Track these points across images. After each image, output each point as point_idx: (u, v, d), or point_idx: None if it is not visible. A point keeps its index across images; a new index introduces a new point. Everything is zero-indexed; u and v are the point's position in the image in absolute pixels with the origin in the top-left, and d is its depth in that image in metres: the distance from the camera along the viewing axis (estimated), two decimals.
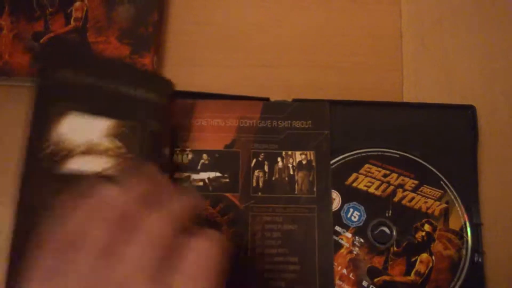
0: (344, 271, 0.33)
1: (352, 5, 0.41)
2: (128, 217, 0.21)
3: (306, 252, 0.33)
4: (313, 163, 0.35)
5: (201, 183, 0.34)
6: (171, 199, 0.23)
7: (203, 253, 0.22)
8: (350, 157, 0.36)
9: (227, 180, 0.34)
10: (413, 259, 0.33)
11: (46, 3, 0.38)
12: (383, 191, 0.35)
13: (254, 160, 0.35)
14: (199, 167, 0.35)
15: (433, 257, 0.33)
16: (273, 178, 0.35)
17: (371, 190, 0.35)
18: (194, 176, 0.34)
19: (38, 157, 0.26)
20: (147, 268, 0.20)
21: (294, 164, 0.35)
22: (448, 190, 0.35)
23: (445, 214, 0.34)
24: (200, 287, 0.21)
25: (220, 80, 0.39)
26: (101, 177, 0.27)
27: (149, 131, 0.31)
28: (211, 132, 0.36)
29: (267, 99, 0.37)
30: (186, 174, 0.34)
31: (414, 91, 0.39)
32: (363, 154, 0.36)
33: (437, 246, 0.34)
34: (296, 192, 0.35)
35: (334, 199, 0.35)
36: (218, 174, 0.35)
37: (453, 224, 0.34)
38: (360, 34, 0.40)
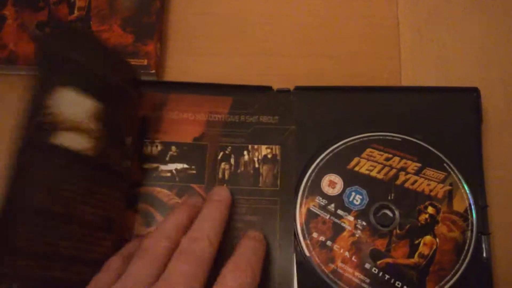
0: (347, 253, 0.33)
1: None
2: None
3: (268, 242, 0.34)
4: (278, 157, 0.36)
5: (168, 174, 0.35)
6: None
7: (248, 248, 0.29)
8: (352, 142, 0.36)
9: (194, 171, 0.35)
10: (417, 242, 0.33)
11: None
12: (385, 174, 0.35)
13: (221, 153, 0.36)
14: (167, 159, 0.36)
15: (437, 239, 0.33)
16: (239, 171, 0.36)
17: (373, 173, 0.35)
18: (162, 167, 0.35)
19: (27, 124, 0.27)
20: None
21: (260, 157, 0.36)
22: (451, 172, 0.35)
23: (449, 196, 0.34)
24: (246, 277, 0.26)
25: (222, 68, 0.40)
26: None
27: (121, 118, 0.32)
28: (181, 125, 0.37)
29: (270, 88, 0.37)
30: (155, 165, 0.36)
31: (412, 79, 0.39)
32: (365, 139, 0.36)
33: (441, 228, 0.33)
34: (260, 185, 0.35)
35: (336, 183, 0.35)
36: (185, 165, 0.36)
37: (457, 206, 0.34)
38: (359, 23, 0.41)
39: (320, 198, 0.35)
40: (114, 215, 0.31)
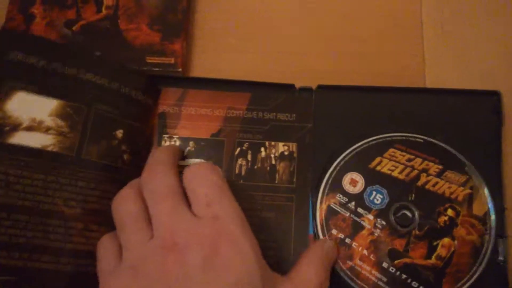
0: (365, 251, 0.34)
1: None
2: None
3: (283, 239, 0.34)
4: (295, 155, 0.36)
5: None
6: None
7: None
8: (375, 141, 0.36)
9: None
10: (435, 243, 0.34)
11: None
12: (407, 175, 0.35)
13: (238, 149, 0.36)
14: (185, 154, 0.36)
15: (455, 242, 0.33)
16: (255, 167, 0.36)
17: (395, 174, 0.35)
18: (180, 163, 0.35)
19: None
20: None
21: (277, 154, 0.36)
22: (473, 176, 0.35)
23: (469, 199, 0.34)
24: None
25: (247, 66, 0.40)
26: None
27: (95, 114, 0.32)
28: (199, 120, 0.37)
29: (293, 86, 0.38)
30: None
31: (435, 77, 0.39)
32: (388, 139, 0.36)
33: (459, 231, 0.34)
34: (276, 182, 0.36)
35: (358, 181, 0.35)
36: (203, 161, 0.36)
37: (477, 209, 0.34)
38: (382, 22, 0.41)
39: (341, 196, 0.35)
40: (108, 208, 0.31)
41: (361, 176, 0.36)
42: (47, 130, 0.30)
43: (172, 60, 0.38)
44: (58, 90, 0.31)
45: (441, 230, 0.34)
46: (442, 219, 0.34)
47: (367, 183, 0.35)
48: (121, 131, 0.34)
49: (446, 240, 0.34)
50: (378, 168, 0.36)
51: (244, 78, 0.38)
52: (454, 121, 0.36)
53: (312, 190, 0.35)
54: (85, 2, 0.39)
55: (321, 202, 0.35)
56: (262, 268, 0.27)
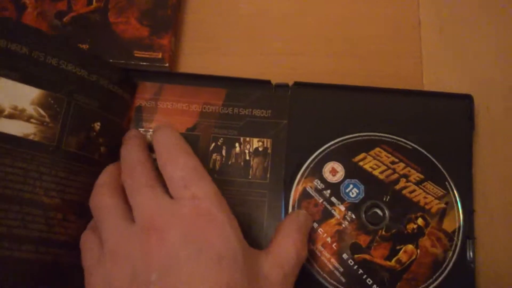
0: (329, 239, 0.34)
1: None
2: None
3: (255, 234, 0.34)
4: (269, 151, 0.36)
5: None
6: None
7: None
8: (364, 137, 0.36)
9: None
10: (398, 247, 0.34)
11: None
12: (387, 176, 0.35)
13: (213, 144, 0.37)
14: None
15: (418, 251, 0.34)
16: (229, 162, 0.36)
17: (376, 172, 0.35)
18: (155, 156, 0.35)
19: None
20: None
21: (251, 150, 0.36)
22: (451, 192, 0.35)
23: (442, 213, 0.35)
24: None
25: (239, 67, 0.40)
26: None
27: (75, 105, 0.32)
28: (175, 115, 0.37)
29: (269, 82, 0.38)
30: None
31: (434, 79, 0.40)
32: (377, 138, 0.36)
33: (425, 242, 0.34)
34: (250, 177, 0.36)
35: (338, 172, 0.36)
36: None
37: (447, 225, 0.34)
38: (380, 23, 0.41)
39: (319, 182, 0.35)
40: (86, 200, 0.32)
41: (342, 167, 0.36)
42: (28, 118, 0.30)
43: (160, 55, 0.38)
44: (40, 79, 0.31)
45: (407, 236, 0.34)
46: (411, 226, 0.34)
47: (347, 176, 0.35)
48: (98, 123, 0.33)
49: (409, 247, 0.34)
50: (361, 163, 0.36)
51: (236, 72, 0.38)
52: (429, 124, 0.37)
53: (285, 187, 0.35)
54: None
55: (298, 183, 0.35)
56: (242, 243, 0.28)
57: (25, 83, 0.30)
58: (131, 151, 0.32)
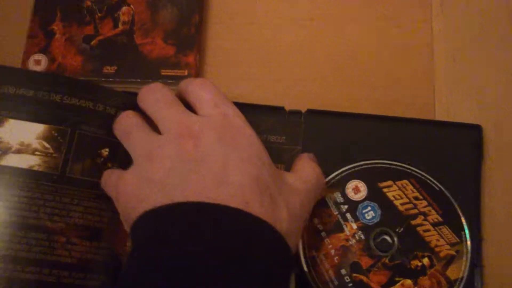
0: (332, 251, 0.35)
1: (385, 23, 0.42)
2: None
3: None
4: None
5: None
6: None
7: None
8: (396, 167, 0.37)
9: None
10: (397, 279, 0.34)
11: (95, 8, 0.42)
12: (406, 209, 0.36)
13: None
14: None
15: None
16: None
17: (397, 202, 0.36)
18: None
19: None
20: None
21: None
22: (464, 243, 0.35)
23: (449, 260, 0.35)
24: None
25: (254, 92, 0.41)
26: None
27: (79, 135, 0.34)
28: None
29: (282, 108, 0.39)
30: None
31: (446, 108, 0.40)
32: (408, 170, 0.37)
33: (424, 281, 0.34)
34: None
35: (360, 191, 0.36)
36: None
37: (451, 272, 0.35)
38: (393, 51, 0.42)
39: (339, 195, 0.36)
40: (97, 224, 0.33)
41: (366, 188, 0.36)
42: (34, 151, 0.33)
43: (186, 72, 0.40)
44: (45, 115, 0.33)
45: (409, 270, 0.35)
46: (416, 262, 0.35)
47: (368, 197, 0.36)
48: (106, 149, 0.35)
49: (408, 282, 0.34)
50: (385, 190, 0.36)
51: (251, 97, 0.40)
52: (437, 153, 0.38)
53: None
54: (102, 18, 0.41)
55: None
56: (268, 157, 0.31)
57: (31, 122, 0.33)
58: (150, 88, 0.33)
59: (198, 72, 0.41)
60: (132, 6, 0.42)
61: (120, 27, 0.41)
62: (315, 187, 0.32)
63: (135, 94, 0.34)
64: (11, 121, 0.33)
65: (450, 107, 0.40)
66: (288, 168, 0.35)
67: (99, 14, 0.41)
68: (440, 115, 0.40)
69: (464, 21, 0.42)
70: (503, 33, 0.41)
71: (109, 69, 0.40)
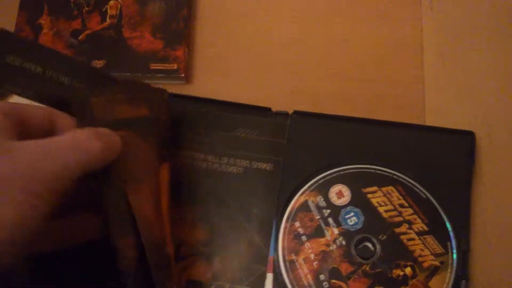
0: (312, 256, 0.34)
1: (374, 20, 0.42)
2: None
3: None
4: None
5: None
6: None
7: None
8: (382, 172, 0.36)
9: None
10: (377, 287, 0.33)
11: (82, 2, 0.42)
12: (391, 216, 0.35)
13: None
14: None
15: None
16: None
17: (381, 209, 0.35)
18: None
19: None
20: None
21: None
22: (450, 254, 0.34)
23: (433, 271, 0.34)
24: None
25: (241, 89, 0.41)
26: None
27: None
28: None
29: (269, 109, 0.39)
30: None
31: (435, 103, 0.39)
32: (395, 177, 0.36)
33: None
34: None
35: (344, 196, 0.36)
36: None
37: (434, 284, 0.33)
38: (382, 49, 0.41)
39: (322, 199, 0.36)
40: None
41: (349, 193, 0.36)
42: None
43: (175, 66, 0.40)
44: (53, 98, 0.31)
45: (390, 279, 0.33)
46: (397, 272, 0.34)
47: (351, 202, 0.35)
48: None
49: None
50: (370, 196, 0.36)
51: (238, 99, 0.39)
52: (427, 160, 0.37)
53: (278, 213, 0.36)
54: (90, 12, 0.42)
55: (302, 194, 0.36)
56: None
57: (37, 101, 0.31)
58: None
59: (187, 66, 0.41)
60: (119, 0, 0.42)
61: (108, 21, 0.41)
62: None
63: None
64: (16, 98, 0.31)
65: (440, 107, 0.39)
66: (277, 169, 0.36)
67: (86, 8, 0.42)
68: (430, 115, 0.39)
69: (454, 20, 0.41)
70: (494, 31, 0.40)
71: (97, 63, 0.40)
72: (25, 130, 0.27)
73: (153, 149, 0.32)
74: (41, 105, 0.30)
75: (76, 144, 0.26)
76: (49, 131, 0.28)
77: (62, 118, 0.30)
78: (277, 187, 0.36)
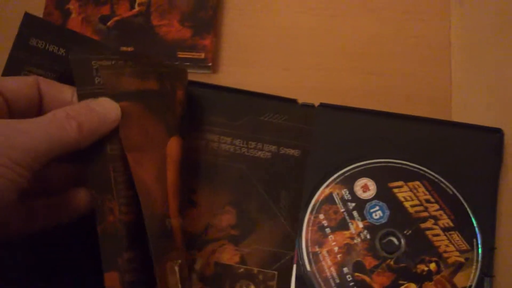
0: (336, 248, 0.34)
1: (403, 14, 0.41)
2: None
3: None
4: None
5: None
6: None
7: None
8: (409, 167, 0.36)
9: None
10: (401, 282, 0.33)
11: None
12: (416, 212, 0.35)
13: None
14: None
15: None
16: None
17: (406, 204, 0.35)
18: None
19: None
20: None
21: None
22: (475, 251, 0.34)
23: (458, 267, 0.33)
24: None
25: (268, 79, 0.41)
26: None
27: None
28: None
29: (295, 101, 0.38)
30: None
31: (462, 100, 0.39)
32: (421, 172, 0.36)
33: (430, 287, 0.33)
34: None
35: (369, 190, 0.35)
36: None
37: (459, 280, 0.33)
38: (410, 45, 0.41)
39: (347, 192, 0.35)
40: None
41: (375, 187, 0.35)
42: None
43: (203, 55, 0.39)
44: (72, 76, 0.31)
45: (414, 275, 0.33)
46: (422, 267, 0.34)
47: (377, 196, 0.35)
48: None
49: (412, 286, 0.33)
50: (396, 190, 0.35)
51: (264, 90, 0.39)
52: (454, 156, 0.36)
53: (303, 204, 0.36)
54: None
55: (327, 186, 0.36)
56: None
57: (61, 82, 0.31)
58: None
59: (214, 55, 0.41)
60: None
61: (137, 8, 0.41)
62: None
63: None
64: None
65: (466, 103, 0.39)
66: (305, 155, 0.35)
67: None
68: (456, 111, 0.39)
69: (483, 15, 0.40)
70: None
71: (125, 50, 0.40)
72: (5, 102, 0.28)
73: (159, 122, 0.32)
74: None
75: (53, 123, 0.27)
76: (37, 101, 0.30)
77: (52, 86, 0.30)
78: (304, 173, 0.36)
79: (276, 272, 0.34)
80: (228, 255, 0.35)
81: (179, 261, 0.30)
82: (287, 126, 0.37)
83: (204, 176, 0.37)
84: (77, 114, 0.28)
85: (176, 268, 0.30)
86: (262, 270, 0.35)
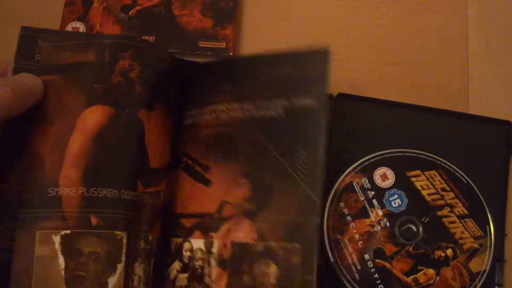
0: (357, 236, 0.35)
1: (421, 7, 0.42)
2: None
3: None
4: None
5: None
6: None
7: None
8: (426, 157, 0.37)
9: None
10: (420, 267, 0.35)
11: None
12: (433, 200, 0.36)
13: None
14: None
15: (437, 278, 0.34)
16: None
17: (424, 192, 0.36)
18: None
19: None
20: None
21: None
22: (488, 237, 0.35)
23: (473, 253, 0.35)
24: None
25: None
26: None
27: None
28: None
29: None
30: None
31: (478, 92, 0.40)
32: (438, 162, 0.37)
33: (447, 272, 0.35)
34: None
35: (388, 179, 0.36)
36: None
37: (473, 265, 0.35)
38: (428, 34, 0.42)
39: (367, 181, 0.36)
40: None
41: (394, 176, 0.37)
42: None
43: (224, 45, 0.40)
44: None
45: (432, 260, 0.35)
46: (439, 253, 0.35)
47: (395, 185, 0.36)
48: None
49: (430, 271, 0.35)
50: (414, 179, 0.36)
51: None
52: (468, 147, 0.38)
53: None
54: None
55: (348, 175, 0.37)
56: None
57: None
58: None
59: (235, 45, 0.41)
60: None
61: None
62: None
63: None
64: None
65: (483, 96, 0.40)
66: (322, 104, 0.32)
67: None
68: (474, 104, 0.40)
69: (500, 8, 0.42)
70: None
71: (147, 39, 0.40)
72: None
73: (80, 93, 0.32)
74: None
75: None
76: None
77: None
78: (324, 125, 0.31)
79: (299, 245, 0.29)
80: (245, 232, 0.31)
81: (63, 231, 0.30)
82: (298, 76, 0.33)
83: (217, 151, 0.34)
84: (12, 82, 0.29)
85: (55, 238, 0.29)
86: (283, 244, 0.30)
